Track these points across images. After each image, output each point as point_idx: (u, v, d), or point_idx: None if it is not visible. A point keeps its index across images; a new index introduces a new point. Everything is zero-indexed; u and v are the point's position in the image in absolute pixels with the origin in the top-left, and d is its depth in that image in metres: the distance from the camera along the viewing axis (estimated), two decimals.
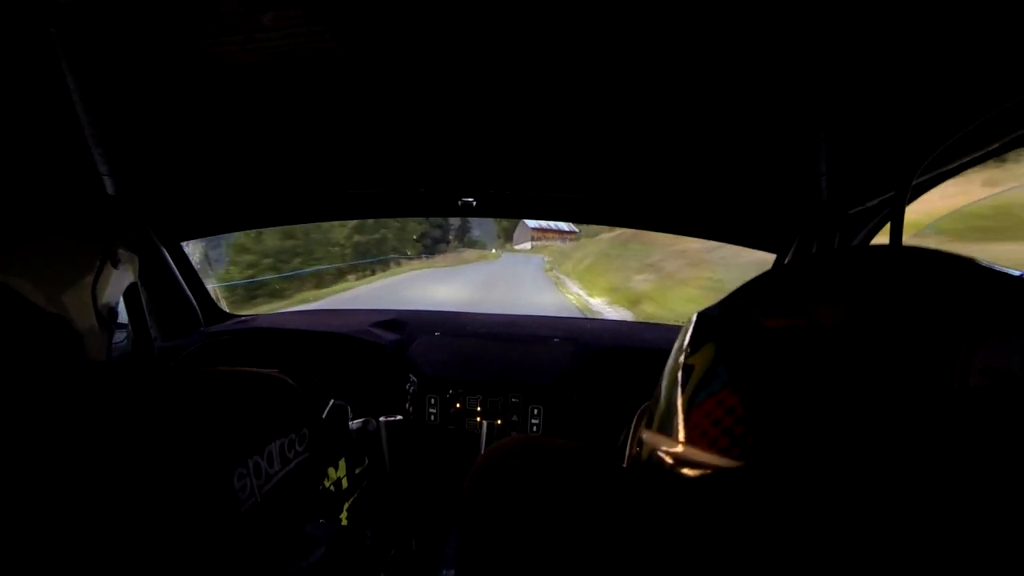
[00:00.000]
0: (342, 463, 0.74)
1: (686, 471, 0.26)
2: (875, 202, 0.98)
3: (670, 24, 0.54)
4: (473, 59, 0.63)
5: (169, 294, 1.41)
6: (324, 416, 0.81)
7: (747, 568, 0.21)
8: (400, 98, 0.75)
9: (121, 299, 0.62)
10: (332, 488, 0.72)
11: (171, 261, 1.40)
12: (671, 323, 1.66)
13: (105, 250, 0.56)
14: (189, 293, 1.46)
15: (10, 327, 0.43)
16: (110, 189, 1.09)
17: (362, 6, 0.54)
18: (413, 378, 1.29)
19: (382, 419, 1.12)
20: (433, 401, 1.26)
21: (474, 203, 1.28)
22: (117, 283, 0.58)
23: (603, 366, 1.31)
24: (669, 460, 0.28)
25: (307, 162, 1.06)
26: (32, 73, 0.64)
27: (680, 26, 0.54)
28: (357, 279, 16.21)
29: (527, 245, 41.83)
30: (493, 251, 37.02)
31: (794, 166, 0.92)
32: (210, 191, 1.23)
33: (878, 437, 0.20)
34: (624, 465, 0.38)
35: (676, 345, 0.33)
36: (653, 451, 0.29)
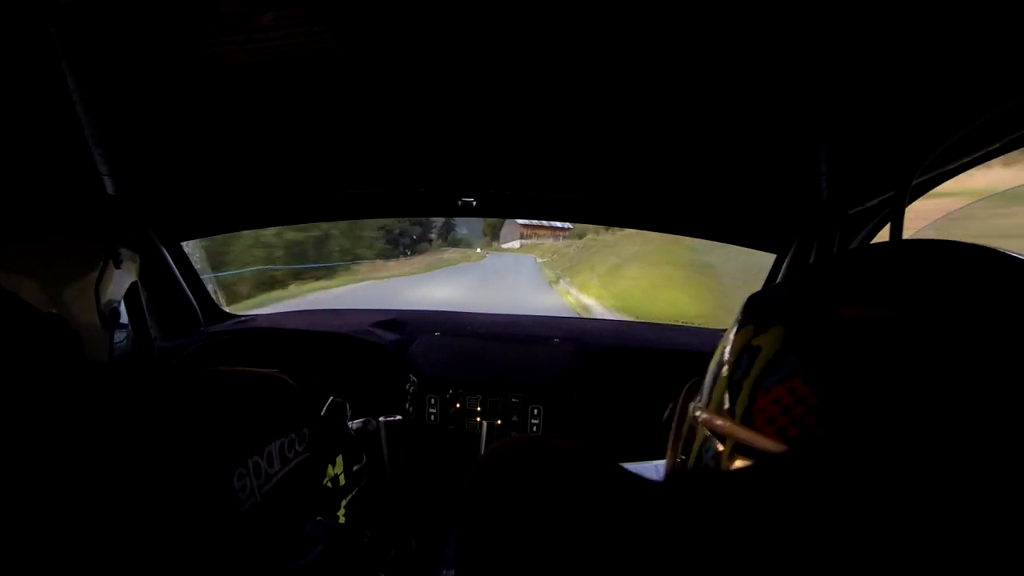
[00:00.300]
0: (340, 460, 0.74)
1: (741, 460, 0.26)
2: (875, 202, 0.98)
3: (670, 24, 0.54)
4: (473, 59, 0.63)
5: (169, 294, 1.41)
6: (323, 414, 0.81)
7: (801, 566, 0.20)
8: (400, 98, 0.75)
9: (122, 299, 0.62)
10: (330, 485, 0.72)
11: (171, 261, 1.40)
12: (671, 323, 1.66)
13: (107, 250, 0.56)
14: (189, 293, 1.46)
15: (13, 328, 0.43)
16: (110, 189, 1.09)
17: (362, 6, 0.54)
18: (413, 378, 1.29)
19: (382, 419, 1.12)
20: (433, 401, 1.26)
21: (474, 203, 1.28)
22: (119, 282, 0.58)
23: (603, 366, 1.31)
24: (727, 443, 0.27)
25: (307, 162, 1.06)
26: (32, 73, 0.64)
27: (680, 26, 0.54)
28: (277, 291, 11.01)
29: (515, 244, 39.55)
30: (479, 250, 34.44)
31: (794, 166, 0.92)
32: (210, 191, 1.23)
33: (970, 451, 0.19)
34: (670, 444, 0.38)
35: (736, 321, 0.32)
36: (709, 430, 0.29)
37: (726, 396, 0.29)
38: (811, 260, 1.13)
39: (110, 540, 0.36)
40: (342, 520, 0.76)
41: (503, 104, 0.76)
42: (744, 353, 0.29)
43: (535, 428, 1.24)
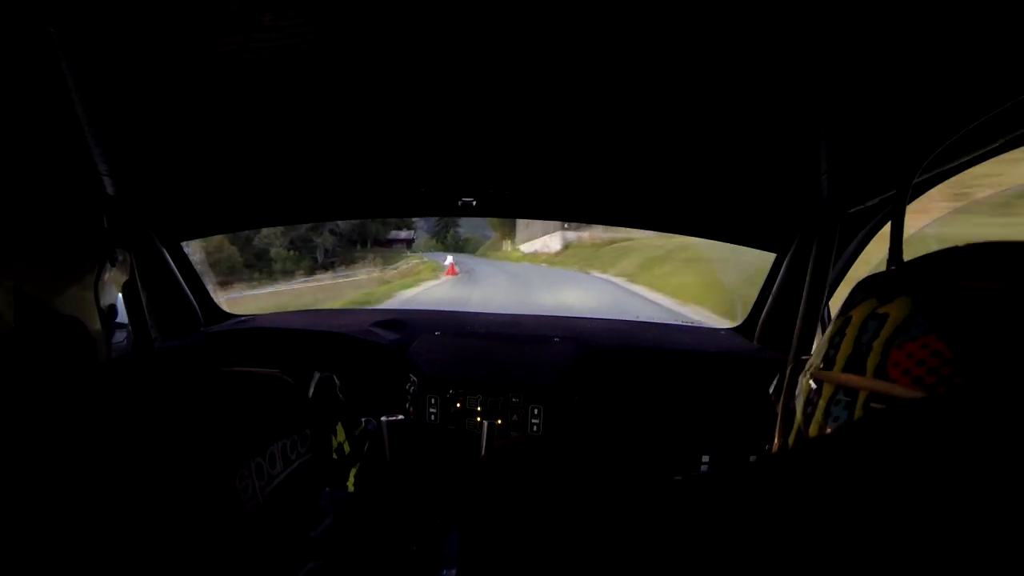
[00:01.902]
0: (340, 429, 0.74)
1: (881, 405, 0.31)
2: (875, 201, 0.98)
3: (670, 23, 0.54)
4: (473, 59, 0.63)
5: (169, 294, 1.40)
6: (311, 391, 0.81)
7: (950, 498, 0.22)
8: (400, 98, 0.75)
9: (120, 299, 0.62)
10: (336, 456, 0.72)
11: (171, 261, 1.40)
12: (672, 323, 1.66)
13: (106, 249, 0.56)
14: (189, 293, 1.46)
15: (16, 328, 0.43)
16: (110, 189, 1.09)
17: (362, 6, 0.53)
18: (413, 378, 1.29)
19: (383, 419, 1.12)
20: (433, 401, 1.26)
21: (474, 203, 1.28)
22: (116, 281, 0.58)
23: (604, 366, 1.31)
24: (860, 396, 0.32)
25: (307, 162, 1.06)
26: (32, 73, 0.64)
27: (680, 25, 0.54)
28: None
29: (548, 245, 27.18)
30: (448, 259, 23.25)
31: (794, 165, 0.92)
32: (210, 191, 1.23)
33: None
34: (778, 427, 0.43)
35: (846, 303, 0.37)
36: (840, 388, 0.34)
37: (855, 356, 0.34)
38: (811, 259, 1.13)
39: (113, 541, 0.36)
40: (351, 489, 0.77)
41: (503, 104, 0.76)
42: (870, 320, 0.34)
43: (535, 428, 1.24)
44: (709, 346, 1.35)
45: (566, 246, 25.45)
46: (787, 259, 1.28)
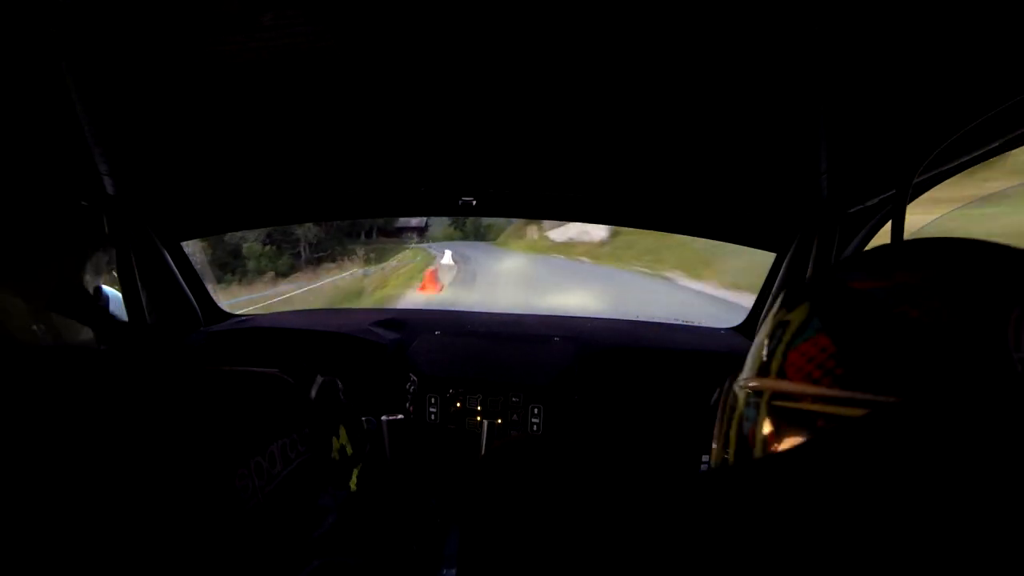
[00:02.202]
0: (342, 431, 0.74)
1: (780, 403, 0.34)
2: (875, 201, 0.98)
3: (670, 23, 0.54)
4: (473, 59, 0.63)
5: (169, 294, 1.40)
6: (314, 395, 0.81)
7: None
8: (400, 98, 0.75)
9: (120, 298, 0.62)
10: (337, 456, 0.72)
11: (171, 261, 1.40)
12: (672, 322, 1.66)
13: (105, 249, 0.56)
14: (189, 293, 1.46)
15: (17, 328, 0.43)
16: (110, 189, 1.09)
17: (362, 6, 0.53)
18: (413, 377, 1.29)
19: (383, 418, 1.12)
20: (433, 400, 1.26)
21: (474, 202, 1.28)
22: (98, 274, 0.58)
23: (603, 365, 1.31)
24: (764, 396, 0.35)
25: (307, 161, 1.06)
26: (32, 73, 0.64)
27: (680, 24, 0.54)
28: None
29: (588, 231, 18.54)
30: (443, 258, 18.57)
31: (794, 164, 0.92)
32: (210, 191, 1.23)
33: (944, 368, 0.27)
34: (716, 434, 0.45)
35: (772, 311, 0.39)
36: (751, 389, 0.37)
37: (764, 361, 0.37)
38: (811, 259, 1.13)
39: (114, 541, 0.36)
40: (354, 488, 0.77)
41: (503, 103, 0.76)
42: (778, 328, 0.37)
43: (535, 428, 1.24)
44: (709, 346, 1.35)
45: (615, 232, 17.57)
46: (787, 259, 1.28)
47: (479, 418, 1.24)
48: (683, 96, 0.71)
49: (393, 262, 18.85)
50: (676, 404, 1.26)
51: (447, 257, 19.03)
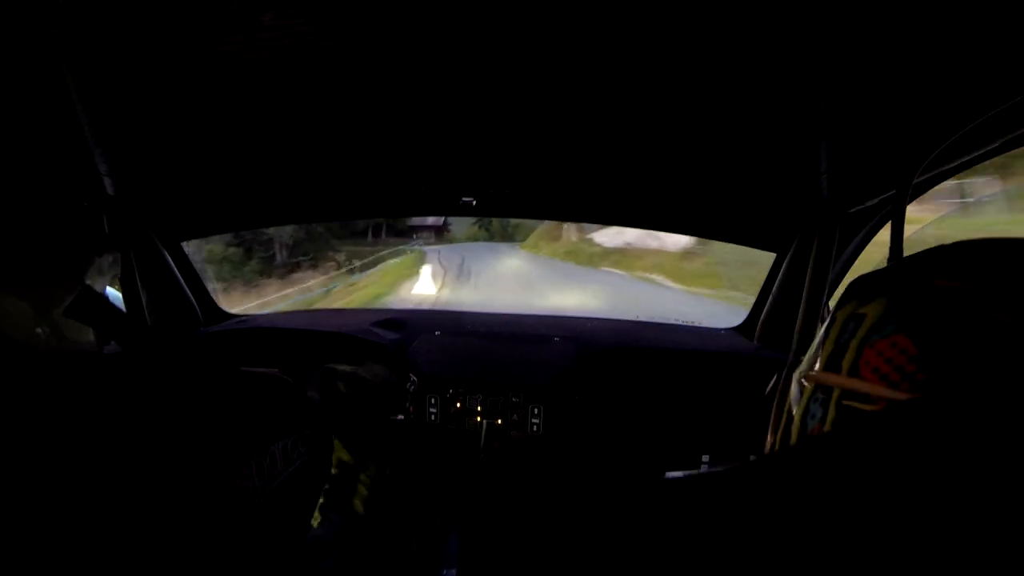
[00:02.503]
0: (336, 443, 0.66)
1: (852, 403, 0.32)
2: (875, 201, 0.98)
3: (671, 23, 0.54)
4: (473, 59, 0.63)
5: (169, 294, 1.40)
6: (314, 394, 0.75)
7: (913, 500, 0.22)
8: (400, 98, 0.75)
9: (119, 298, 0.61)
10: (336, 471, 0.65)
11: (171, 261, 1.40)
12: (672, 323, 1.66)
13: (104, 249, 0.56)
14: (189, 293, 1.46)
15: (18, 328, 0.43)
16: (110, 189, 1.09)
17: (363, 6, 0.53)
18: (413, 377, 1.29)
19: None
20: (433, 401, 1.26)
21: (474, 203, 1.28)
22: (105, 276, 0.58)
23: (604, 365, 1.31)
24: (834, 393, 0.33)
25: (307, 161, 1.06)
26: (32, 73, 0.64)
27: (680, 24, 0.54)
28: None
29: (661, 239, 11.14)
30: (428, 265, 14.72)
31: (794, 164, 0.92)
32: (210, 191, 1.23)
33: None
34: (771, 423, 0.43)
35: (836, 304, 0.38)
36: (817, 385, 0.35)
37: (834, 355, 0.35)
38: (811, 259, 1.13)
39: (116, 542, 0.36)
40: (360, 510, 0.66)
41: (503, 103, 0.76)
42: (850, 321, 0.34)
43: (535, 428, 1.24)
44: (709, 346, 1.35)
45: (702, 242, 10.47)
46: (787, 259, 1.28)
47: (479, 418, 1.24)
48: (683, 96, 0.71)
49: (363, 280, 13.69)
50: (676, 404, 1.26)
51: (424, 275, 13.63)
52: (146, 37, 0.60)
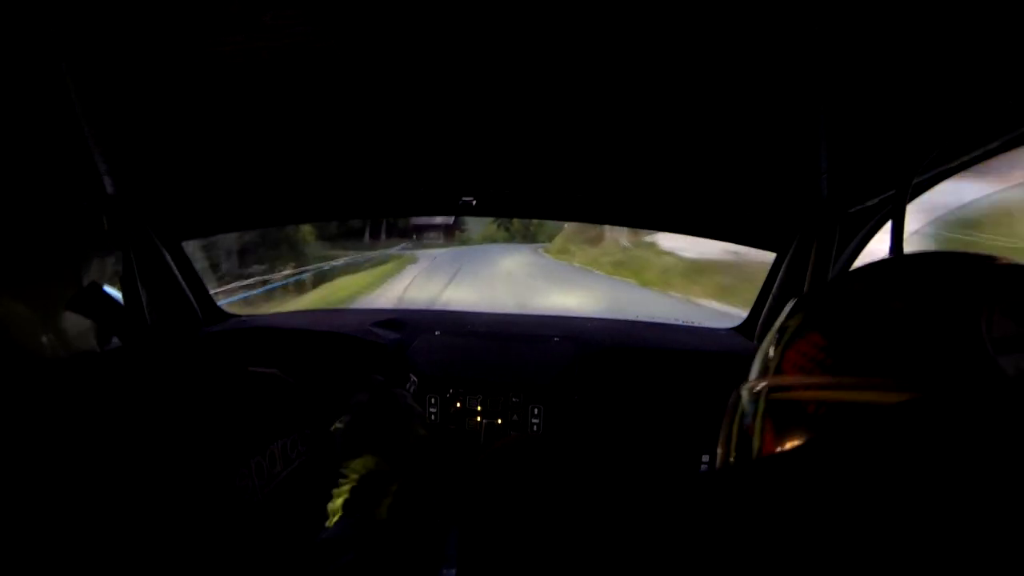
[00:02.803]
0: (370, 459, 0.65)
1: (776, 395, 0.37)
2: (875, 201, 0.98)
3: (671, 23, 0.54)
4: (473, 58, 0.63)
5: (169, 294, 1.40)
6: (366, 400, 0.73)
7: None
8: (400, 97, 0.75)
9: (120, 297, 0.61)
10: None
11: (171, 261, 1.40)
12: (672, 323, 1.66)
13: (104, 249, 0.56)
14: (189, 293, 1.46)
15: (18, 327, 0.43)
16: (110, 189, 1.09)
17: (363, 6, 0.53)
18: (413, 377, 1.29)
19: None
20: (433, 401, 1.26)
21: (474, 202, 1.28)
22: (105, 276, 0.58)
23: (603, 365, 1.31)
24: (766, 390, 0.38)
25: (307, 161, 1.06)
26: (32, 73, 0.64)
27: (679, 23, 0.54)
28: None
29: None
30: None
31: (794, 165, 0.92)
32: (211, 191, 1.23)
33: (926, 350, 0.30)
34: (721, 441, 0.46)
35: (777, 323, 0.43)
36: (753, 389, 0.40)
37: (766, 362, 0.40)
38: (811, 259, 1.13)
39: (115, 541, 0.36)
40: (384, 515, 0.63)
41: (503, 103, 0.76)
42: (779, 333, 0.41)
43: (535, 428, 1.24)
44: (709, 346, 1.35)
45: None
46: (787, 259, 1.28)
47: (479, 418, 1.24)
48: (683, 96, 0.71)
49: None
50: (676, 404, 1.26)
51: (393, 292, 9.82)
52: (146, 37, 0.60)
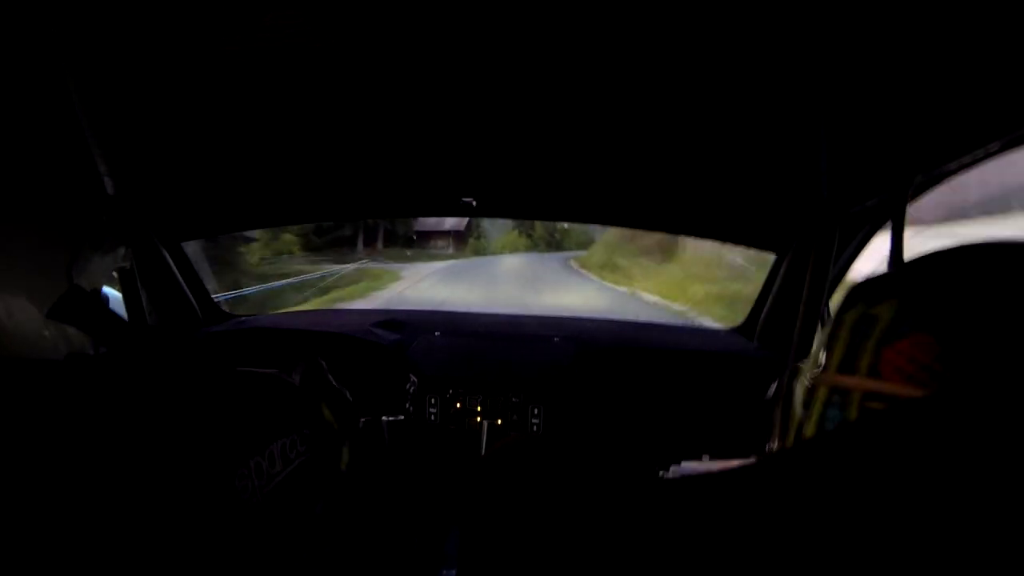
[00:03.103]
0: (324, 408, 0.69)
1: (875, 404, 0.32)
2: (876, 201, 0.98)
3: (672, 24, 0.54)
4: (473, 59, 0.63)
5: (169, 294, 1.40)
6: (297, 381, 0.77)
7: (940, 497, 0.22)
8: (400, 98, 0.75)
9: (120, 298, 0.61)
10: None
11: (171, 261, 1.40)
12: (672, 323, 1.66)
13: (103, 249, 0.56)
14: (189, 293, 1.46)
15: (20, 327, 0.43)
16: (110, 189, 1.09)
17: (363, 6, 0.53)
18: (413, 378, 1.29)
19: (384, 419, 1.12)
20: (433, 401, 1.26)
21: (474, 203, 1.28)
22: (105, 276, 0.58)
23: (603, 366, 1.31)
24: (853, 396, 0.33)
25: (307, 162, 1.06)
26: (32, 72, 0.64)
27: (680, 24, 0.54)
28: None
29: None
30: None
31: (794, 165, 0.92)
32: (211, 191, 1.23)
33: None
34: (776, 429, 0.43)
35: (839, 308, 0.38)
36: (835, 388, 0.35)
37: (848, 357, 0.34)
38: (811, 260, 1.13)
39: (113, 541, 0.36)
40: (343, 468, 0.68)
41: (503, 104, 0.76)
42: (861, 323, 0.35)
43: (535, 428, 1.24)
44: (709, 346, 1.35)
45: None
46: (787, 259, 1.28)
47: (479, 418, 1.24)
48: (684, 97, 0.71)
49: None
50: (676, 404, 1.26)
51: None
52: (146, 37, 0.60)
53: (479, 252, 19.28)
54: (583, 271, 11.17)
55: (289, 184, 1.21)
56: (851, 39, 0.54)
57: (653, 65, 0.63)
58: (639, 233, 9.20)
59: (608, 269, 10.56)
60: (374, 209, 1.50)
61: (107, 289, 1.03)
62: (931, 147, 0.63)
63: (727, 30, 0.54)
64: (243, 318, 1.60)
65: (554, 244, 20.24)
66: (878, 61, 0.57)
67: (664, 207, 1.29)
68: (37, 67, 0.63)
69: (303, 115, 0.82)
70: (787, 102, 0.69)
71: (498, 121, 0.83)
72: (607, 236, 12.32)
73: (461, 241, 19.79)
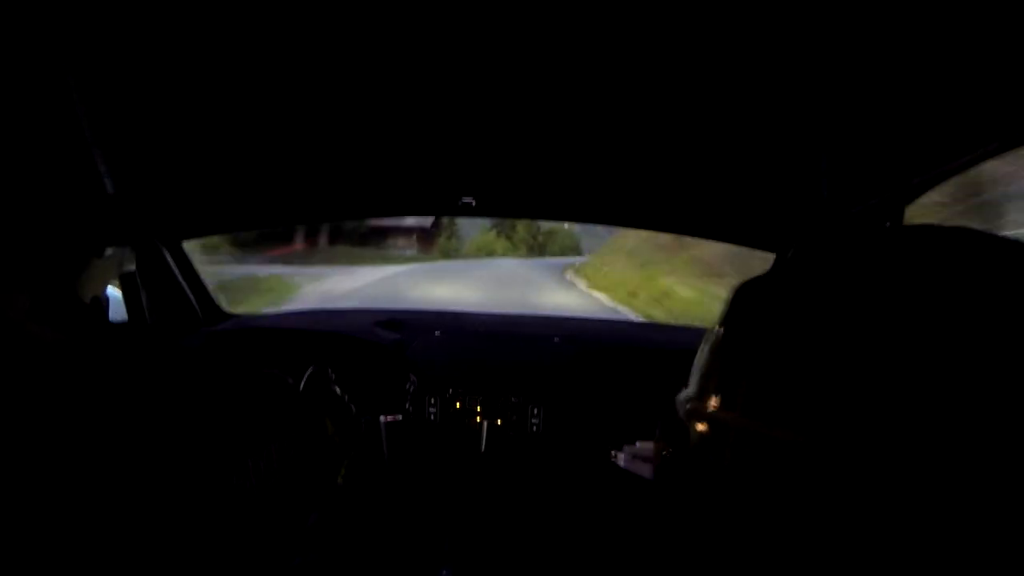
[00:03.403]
0: (328, 422, 0.70)
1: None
2: (876, 201, 0.98)
3: (672, 24, 0.54)
4: (473, 59, 0.63)
5: (169, 294, 1.41)
6: (302, 387, 0.79)
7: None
8: (400, 98, 0.75)
9: (120, 298, 0.61)
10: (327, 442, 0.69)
11: (171, 261, 1.40)
12: (672, 324, 1.66)
13: (103, 249, 0.56)
14: (189, 293, 1.46)
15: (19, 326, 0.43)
16: (110, 189, 1.09)
17: (363, 6, 0.54)
18: (413, 378, 1.29)
19: (383, 419, 1.12)
20: (433, 401, 1.26)
21: (474, 203, 1.28)
22: (112, 281, 0.58)
23: (604, 366, 1.31)
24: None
25: (307, 161, 1.06)
26: (32, 72, 0.64)
27: (681, 25, 0.54)
28: None
29: None
30: None
31: (794, 165, 0.92)
32: (211, 191, 1.23)
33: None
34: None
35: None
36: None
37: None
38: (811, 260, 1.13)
39: (108, 539, 0.36)
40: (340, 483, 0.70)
41: (503, 103, 0.76)
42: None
43: (535, 428, 1.24)
44: None
45: None
46: (788, 259, 1.28)
47: (479, 418, 1.24)
48: (685, 97, 0.71)
49: None
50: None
51: None
52: (146, 37, 0.60)
53: (448, 255, 16.53)
54: (596, 295, 8.32)
55: (289, 184, 1.22)
56: (851, 39, 0.54)
57: (654, 65, 0.63)
58: (653, 238, 8.12)
59: (627, 293, 7.54)
60: (374, 209, 1.50)
61: (107, 289, 1.03)
62: (931, 147, 0.63)
63: (727, 31, 0.54)
64: (243, 318, 1.61)
65: (536, 248, 17.73)
66: (878, 61, 0.57)
67: (664, 206, 1.29)
68: (38, 67, 0.63)
69: (303, 115, 0.82)
70: (787, 102, 0.69)
71: (497, 120, 0.83)
72: (615, 240, 9.59)
73: (427, 241, 16.33)
